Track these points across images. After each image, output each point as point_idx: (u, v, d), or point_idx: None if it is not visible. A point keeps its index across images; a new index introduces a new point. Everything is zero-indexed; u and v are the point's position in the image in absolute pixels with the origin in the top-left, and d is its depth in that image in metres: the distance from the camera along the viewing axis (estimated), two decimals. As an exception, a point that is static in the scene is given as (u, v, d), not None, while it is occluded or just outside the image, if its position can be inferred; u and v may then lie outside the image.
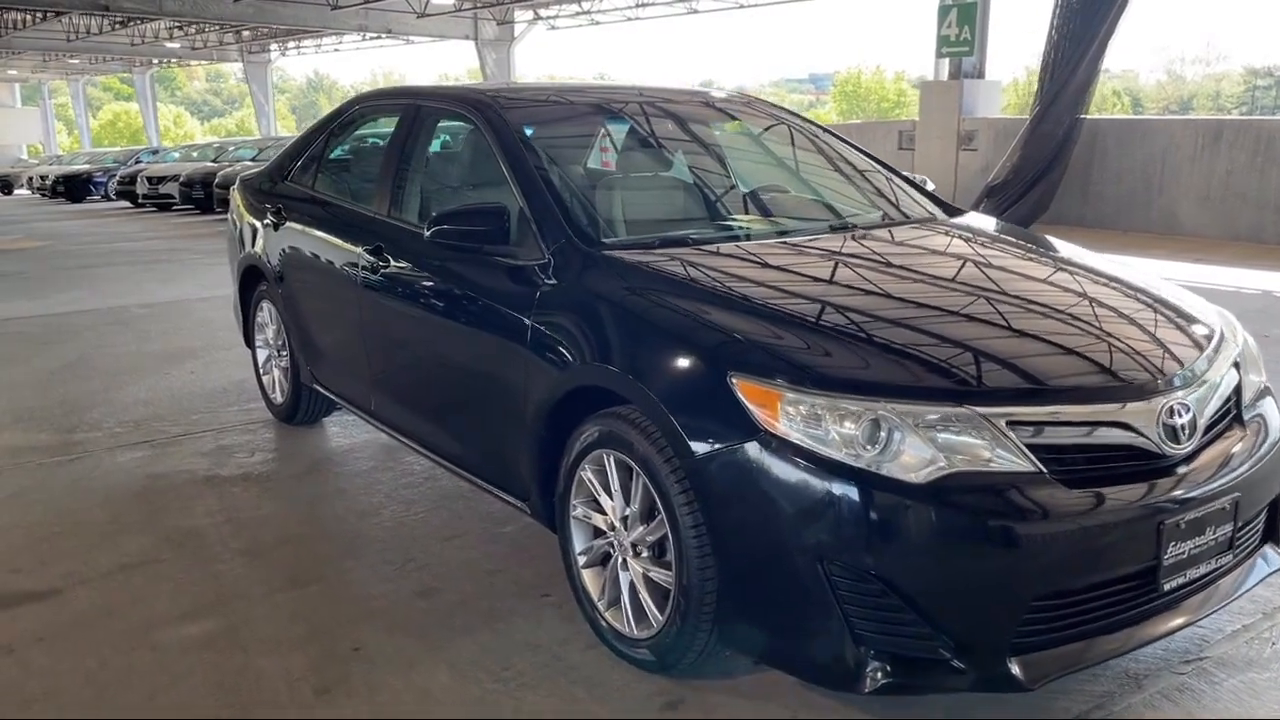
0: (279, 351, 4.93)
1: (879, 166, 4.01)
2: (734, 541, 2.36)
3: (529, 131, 3.48)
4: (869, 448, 2.20)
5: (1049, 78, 10.93)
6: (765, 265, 2.96)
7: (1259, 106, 61.43)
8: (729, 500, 2.36)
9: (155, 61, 38.82)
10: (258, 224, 4.91)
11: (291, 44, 30.10)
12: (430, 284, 3.48)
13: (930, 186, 3.93)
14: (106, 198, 27.85)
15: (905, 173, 3.98)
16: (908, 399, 2.24)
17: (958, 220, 3.62)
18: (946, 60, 12.80)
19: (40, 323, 7.92)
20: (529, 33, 22.89)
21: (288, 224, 4.58)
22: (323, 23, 21.54)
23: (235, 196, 5.34)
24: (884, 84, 68.36)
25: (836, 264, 2.99)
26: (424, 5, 20.24)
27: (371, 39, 25.31)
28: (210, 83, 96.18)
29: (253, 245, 4.95)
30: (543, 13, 22.57)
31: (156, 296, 8.98)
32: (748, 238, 3.22)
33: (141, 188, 23.06)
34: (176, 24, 25.62)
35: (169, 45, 28.77)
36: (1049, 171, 10.82)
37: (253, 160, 20.26)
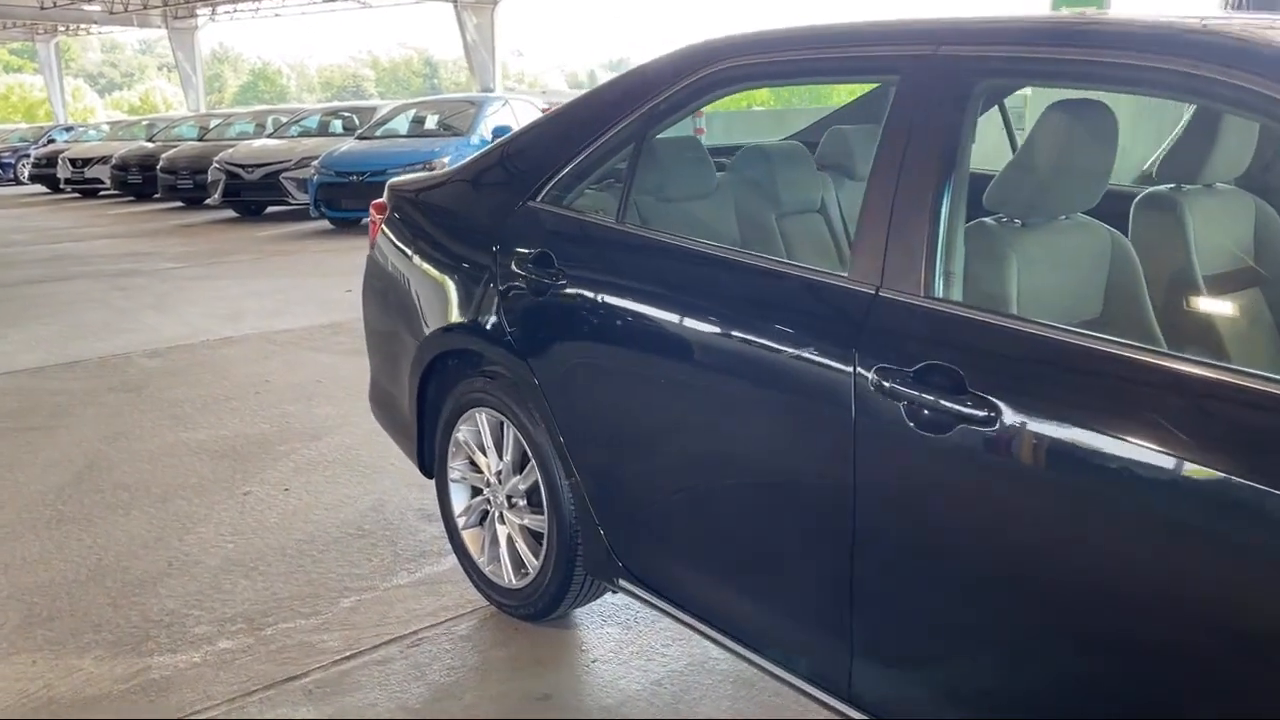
0: (513, 500, 2.81)
1: None
2: None
3: None
4: None
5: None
6: None
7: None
8: None
9: (62, 29, 35.11)
10: (471, 281, 2.78)
11: (224, 8, 26.86)
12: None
13: None
14: (16, 181, 24.80)
15: None
16: None
17: None
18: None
19: (9, 387, 5.56)
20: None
21: (569, 288, 2.46)
22: (284, -21, 18.72)
23: (389, 227, 3.17)
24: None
25: None
26: (405, -41, 17.63)
27: (326, 1, 22.49)
28: (107, 54, 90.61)
29: (454, 313, 2.82)
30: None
31: (160, 335, 6.61)
32: None
33: (64, 171, 20.28)
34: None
35: (88, 8, 25.41)
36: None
37: (199, 140, 17.63)
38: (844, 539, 1.88)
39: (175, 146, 17.21)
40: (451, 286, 2.87)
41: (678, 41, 2.52)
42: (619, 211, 2.48)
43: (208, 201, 14.82)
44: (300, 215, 13.40)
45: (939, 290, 1.81)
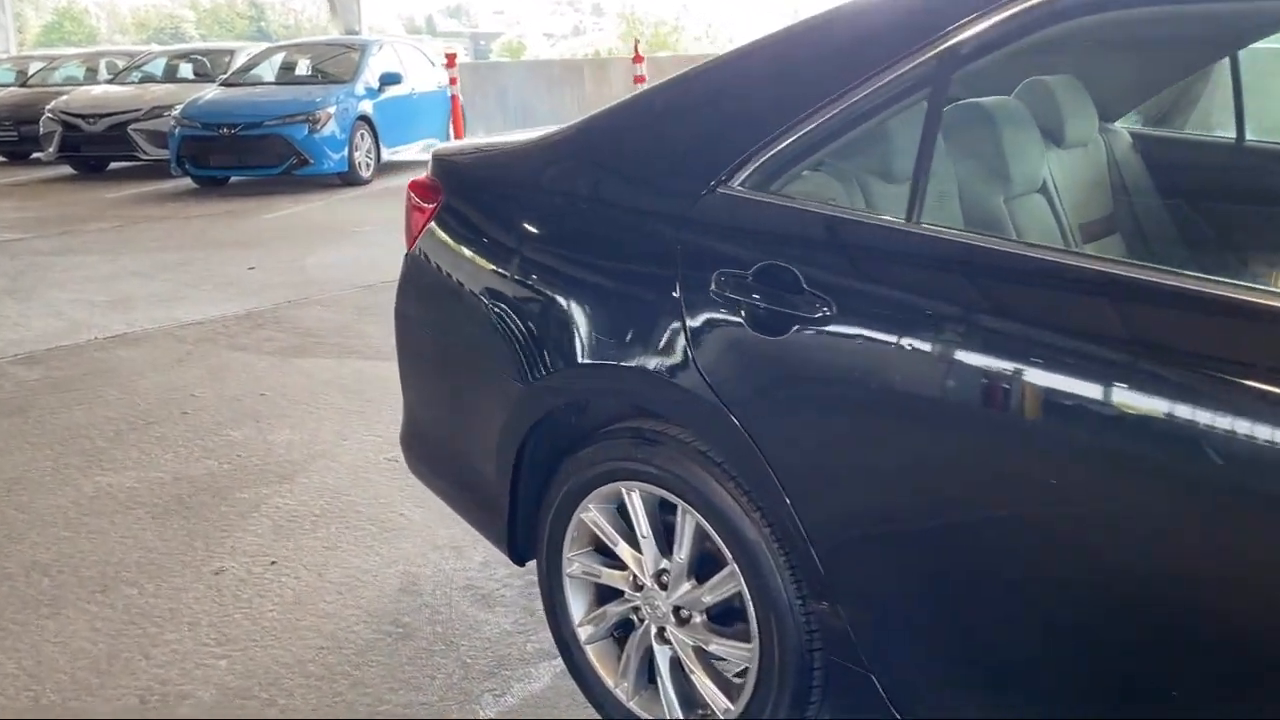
0: (684, 613, 1.97)
1: None
2: None
3: None
4: None
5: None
6: None
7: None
8: None
9: None
10: (624, 303, 1.93)
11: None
12: None
13: None
14: None
15: None
16: None
17: None
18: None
19: None
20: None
21: (836, 325, 1.62)
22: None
23: (445, 223, 2.26)
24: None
25: None
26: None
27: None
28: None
29: (592, 349, 1.96)
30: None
31: (30, 332, 5.32)
32: None
33: (-90, 125, 17.54)
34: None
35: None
36: None
37: (21, 86, 15.48)
38: None
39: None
40: (584, 309, 1.99)
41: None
42: (910, 206, 1.64)
43: (38, 156, 13.04)
44: (152, 173, 11.83)
45: None
